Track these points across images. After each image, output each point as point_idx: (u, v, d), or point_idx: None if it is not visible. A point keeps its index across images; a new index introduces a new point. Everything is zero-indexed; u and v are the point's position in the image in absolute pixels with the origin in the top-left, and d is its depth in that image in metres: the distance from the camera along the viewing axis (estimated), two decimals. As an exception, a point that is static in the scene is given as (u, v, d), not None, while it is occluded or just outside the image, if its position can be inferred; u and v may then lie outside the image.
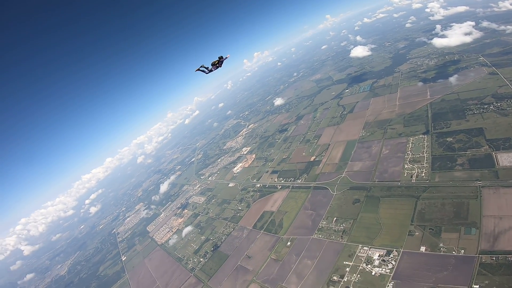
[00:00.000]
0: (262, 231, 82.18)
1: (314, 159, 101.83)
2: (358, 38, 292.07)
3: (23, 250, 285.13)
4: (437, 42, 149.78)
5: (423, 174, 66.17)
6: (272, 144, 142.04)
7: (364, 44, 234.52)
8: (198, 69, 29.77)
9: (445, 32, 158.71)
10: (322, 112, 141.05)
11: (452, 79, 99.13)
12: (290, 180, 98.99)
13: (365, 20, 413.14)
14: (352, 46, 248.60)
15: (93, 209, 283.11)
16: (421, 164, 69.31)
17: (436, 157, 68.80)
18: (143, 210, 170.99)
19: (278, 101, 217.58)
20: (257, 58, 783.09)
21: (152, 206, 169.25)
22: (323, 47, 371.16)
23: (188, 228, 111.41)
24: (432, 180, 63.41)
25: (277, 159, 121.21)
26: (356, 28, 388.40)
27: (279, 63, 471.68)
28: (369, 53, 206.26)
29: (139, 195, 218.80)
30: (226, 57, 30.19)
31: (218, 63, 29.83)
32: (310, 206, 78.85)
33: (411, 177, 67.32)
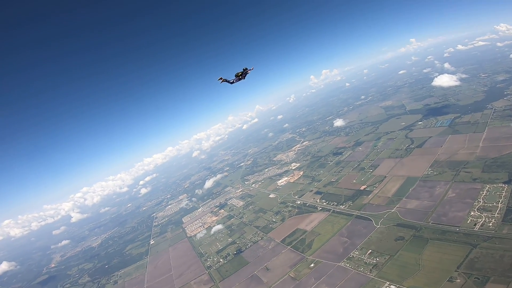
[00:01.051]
0: (289, 247, 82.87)
1: (365, 188, 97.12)
2: (446, 65, 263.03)
3: (72, 217, 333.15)
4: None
5: (490, 224, 58.30)
6: (323, 165, 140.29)
7: (453, 73, 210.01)
8: (222, 80, 29.16)
9: None
10: (385, 142, 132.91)
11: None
12: (333, 204, 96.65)
13: (459, 47, 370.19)
14: (437, 74, 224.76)
15: (143, 190, 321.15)
16: (491, 214, 60.90)
17: (513, 210, 58.89)
18: (185, 201, 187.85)
19: (339, 123, 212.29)
20: (324, 76, 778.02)
21: (194, 199, 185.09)
22: (401, 72, 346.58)
23: (219, 227, 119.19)
24: (499, 231, 55.24)
25: (325, 181, 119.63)
26: (446, 55, 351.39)
27: (347, 84, 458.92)
28: (457, 83, 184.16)
29: (185, 186, 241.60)
30: (251, 69, 29.89)
31: (241, 75, 29.71)
32: (347, 233, 76.01)
33: (475, 224, 59.97)
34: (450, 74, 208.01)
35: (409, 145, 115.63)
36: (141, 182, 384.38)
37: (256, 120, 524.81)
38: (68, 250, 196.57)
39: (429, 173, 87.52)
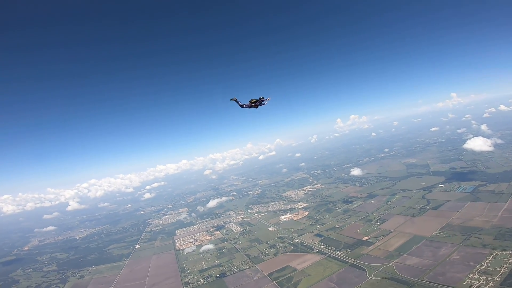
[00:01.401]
0: (274, 282, 78.93)
1: (367, 239, 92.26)
2: (484, 127, 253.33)
3: (69, 206, 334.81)
4: None
5: (487, 286, 54.50)
6: (330, 210, 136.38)
7: (489, 137, 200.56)
8: (234, 100, 28.93)
9: None
10: (399, 199, 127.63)
11: None
12: (331, 249, 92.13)
13: (501, 107, 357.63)
14: (471, 136, 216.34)
15: (147, 195, 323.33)
16: (491, 277, 57.36)
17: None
18: (184, 215, 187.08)
19: (356, 172, 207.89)
20: (352, 121, 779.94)
21: (193, 214, 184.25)
22: (433, 128, 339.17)
23: (209, 247, 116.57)
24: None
25: (328, 225, 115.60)
26: (486, 115, 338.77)
27: (373, 134, 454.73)
28: (491, 148, 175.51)
29: (189, 200, 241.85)
30: (267, 99, 28.71)
31: (255, 103, 28.38)
32: (337, 279, 71.26)
33: (470, 286, 56.18)
34: (485, 137, 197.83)
35: (424, 206, 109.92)
36: (148, 187, 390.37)
37: (273, 153, 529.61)
38: (50, 236, 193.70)
39: (438, 234, 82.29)
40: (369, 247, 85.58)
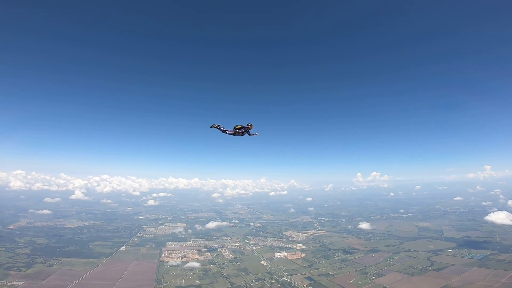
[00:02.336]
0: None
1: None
2: (511, 203, 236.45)
3: (74, 194, 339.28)
4: None
5: None
6: (328, 257, 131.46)
7: None
8: (215, 126, 27.44)
9: None
10: (402, 257, 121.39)
11: None
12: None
13: None
14: (495, 210, 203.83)
15: (150, 202, 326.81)
16: None
17: None
18: (180, 229, 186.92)
19: (363, 226, 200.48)
20: (372, 178, 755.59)
21: (189, 231, 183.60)
22: (457, 198, 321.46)
23: (195, 266, 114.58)
24: None
25: (322, 271, 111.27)
26: None
27: (392, 194, 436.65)
28: None
29: (189, 217, 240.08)
30: (254, 134, 28.18)
31: (240, 130, 26.93)
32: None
33: None
34: (510, 212, 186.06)
35: (426, 266, 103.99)
36: (154, 195, 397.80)
37: (285, 192, 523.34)
38: (41, 220, 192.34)
39: (431, 295, 76.54)
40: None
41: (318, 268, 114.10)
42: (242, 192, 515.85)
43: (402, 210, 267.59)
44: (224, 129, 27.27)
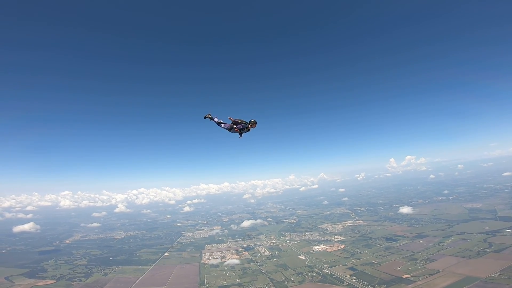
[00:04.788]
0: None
1: (408, 277, 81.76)
2: None
3: (117, 208, 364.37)
4: None
5: None
6: (369, 246, 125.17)
7: None
8: (208, 117, 23.72)
9: None
10: (455, 241, 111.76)
11: None
12: (363, 283, 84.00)
13: None
14: None
15: (186, 209, 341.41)
16: None
17: None
18: (216, 231, 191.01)
19: (405, 210, 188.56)
20: (407, 162, 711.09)
21: (225, 231, 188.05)
22: (506, 173, 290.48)
23: (234, 265, 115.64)
24: None
25: (364, 260, 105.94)
26: None
27: (432, 176, 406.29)
28: None
29: (224, 220, 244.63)
30: (247, 128, 22.51)
31: (239, 125, 22.20)
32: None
33: None
34: None
35: (484, 248, 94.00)
36: (188, 202, 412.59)
37: (316, 186, 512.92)
38: (92, 233, 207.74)
39: (496, 276, 69.15)
40: (409, 285, 75.85)
41: (361, 258, 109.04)
42: (272, 190, 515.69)
43: (446, 191, 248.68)
44: (219, 120, 23.34)
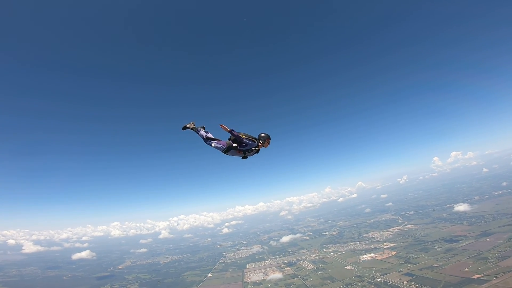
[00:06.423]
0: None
1: (479, 277, 70.72)
2: None
3: (161, 234, 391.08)
4: None
5: None
6: (426, 249, 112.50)
7: None
8: (193, 129, 17.64)
9: None
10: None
11: None
12: (425, 288, 73.95)
13: None
14: None
15: (225, 230, 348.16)
16: None
17: None
18: (256, 250, 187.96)
19: (461, 208, 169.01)
20: (454, 159, 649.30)
21: (265, 248, 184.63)
22: None
23: (278, 281, 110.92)
24: None
25: (423, 264, 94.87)
26: None
27: (485, 169, 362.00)
28: None
29: (263, 238, 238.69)
30: (256, 149, 16.58)
31: (245, 144, 16.15)
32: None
33: None
34: None
35: None
36: (226, 224, 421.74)
37: (355, 195, 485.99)
38: (141, 259, 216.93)
39: None
40: (482, 285, 65.31)
41: (418, 263, 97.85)
42: (309, 205, 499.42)
43: (505, 183, 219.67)
44: (208, 135, 17.09)
